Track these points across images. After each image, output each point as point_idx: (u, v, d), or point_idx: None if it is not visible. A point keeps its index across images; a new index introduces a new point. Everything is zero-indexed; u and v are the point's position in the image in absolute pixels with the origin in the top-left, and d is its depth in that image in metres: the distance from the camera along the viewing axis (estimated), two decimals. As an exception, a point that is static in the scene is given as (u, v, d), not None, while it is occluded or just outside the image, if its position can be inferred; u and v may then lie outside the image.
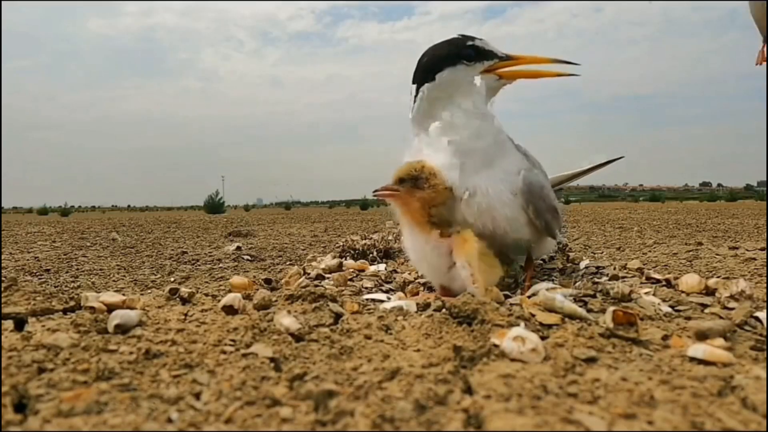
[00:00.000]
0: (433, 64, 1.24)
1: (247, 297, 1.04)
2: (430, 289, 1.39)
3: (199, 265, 2.10)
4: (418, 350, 0.71)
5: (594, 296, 1.07)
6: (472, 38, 1.24)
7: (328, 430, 0.49)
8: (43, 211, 21.93)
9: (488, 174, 1.19)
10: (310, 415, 0.51)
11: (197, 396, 0.55)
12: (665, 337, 0.76)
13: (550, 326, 0.82)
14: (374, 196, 1.23)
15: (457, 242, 1.16)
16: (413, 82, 1.28)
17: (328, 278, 1.55)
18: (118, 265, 2.11)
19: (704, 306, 0.98)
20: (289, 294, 1.02)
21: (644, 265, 1.62)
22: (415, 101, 1.28)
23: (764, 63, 1.92)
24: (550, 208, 1.26)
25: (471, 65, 1.23)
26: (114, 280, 1.73)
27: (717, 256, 1.88)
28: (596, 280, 1.38)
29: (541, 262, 1.74)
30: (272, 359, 0.66)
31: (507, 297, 1.10)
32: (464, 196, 1.17)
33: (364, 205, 20.38)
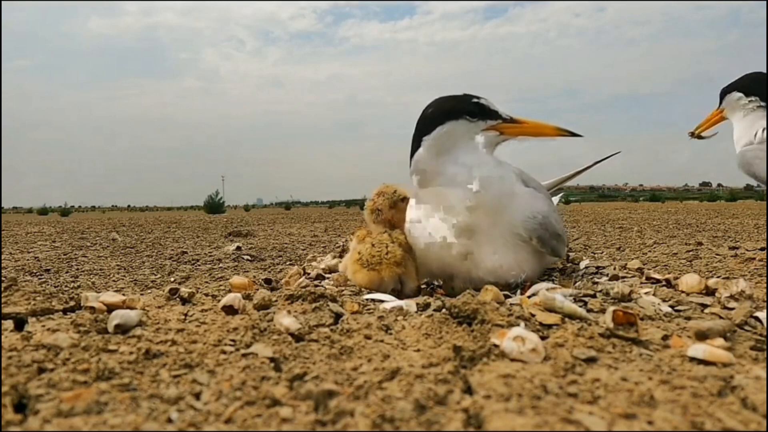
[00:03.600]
0: (436, 117, 1.24)
1: (247, 297, 1.04)
2: (431, 289, 1.39)
3: (199, 265, 2.10)
4: (418, 350, 0.71)
5: (594, 296, 1.07)
6: (478, 97, 1.26)
7: (328, 430, 0.49)
8: (43, 211, 21.96)
9: (493, 233, 1.22)
10: (310, 415, 0.51)
11: (197, 396, 0.55)
12: (665, 337, 0.76)
13: (550, 326, 0.82)
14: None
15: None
16: (416, 131, 1.28)
17: (328, 278, 1.55)
18: (118, 265, 2.11)
19: (704, 306, 0.98)
20: (289, 294, 1.02)
21: (644, 265, 1.62)
22: (413, 153, 1.27)
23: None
24: (554, 235, 1.28)
25: (474, 122, 1.25)
26: (114, 280, 1.73)
27: (717, 256, 1.87)
28: (596, 280, 1.38)
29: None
30: (272, 359, 0.66)
31: (507, 297, 1.10)
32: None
33: (364, 205, 20.39)
